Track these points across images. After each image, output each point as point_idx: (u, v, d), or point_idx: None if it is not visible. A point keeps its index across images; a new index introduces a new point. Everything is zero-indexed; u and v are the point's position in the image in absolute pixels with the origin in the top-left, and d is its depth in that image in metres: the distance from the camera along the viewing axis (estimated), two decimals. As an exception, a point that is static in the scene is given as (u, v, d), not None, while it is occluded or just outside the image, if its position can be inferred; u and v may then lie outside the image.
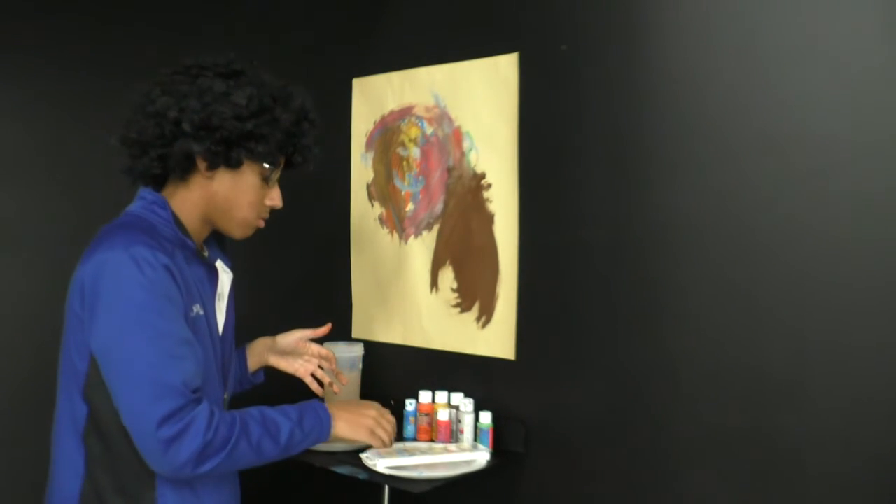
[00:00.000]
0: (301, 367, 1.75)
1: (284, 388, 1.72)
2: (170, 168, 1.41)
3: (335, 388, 1.80)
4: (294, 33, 2.35)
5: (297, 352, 1.76)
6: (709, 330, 1.71)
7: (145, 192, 1.44)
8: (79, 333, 1.31)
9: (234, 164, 1.41)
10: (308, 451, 1.94)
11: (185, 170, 1.41)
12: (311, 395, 1.79)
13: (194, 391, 1.29)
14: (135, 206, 1.44)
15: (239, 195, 1.45)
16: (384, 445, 1.56)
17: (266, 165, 1.44)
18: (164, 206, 1.42)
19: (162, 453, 1.24)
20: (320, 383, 1.77)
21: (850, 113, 1.55)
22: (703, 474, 1.72)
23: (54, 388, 1.41)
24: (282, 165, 1.49)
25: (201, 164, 1.40)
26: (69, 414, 1.34)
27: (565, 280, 1.92)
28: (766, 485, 1.63)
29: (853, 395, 1.54)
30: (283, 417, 1.40)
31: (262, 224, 1.51)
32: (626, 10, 1.83)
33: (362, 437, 1.52)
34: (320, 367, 1.76)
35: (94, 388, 1.31)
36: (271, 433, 1.37)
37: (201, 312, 1.41)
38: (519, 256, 1.99)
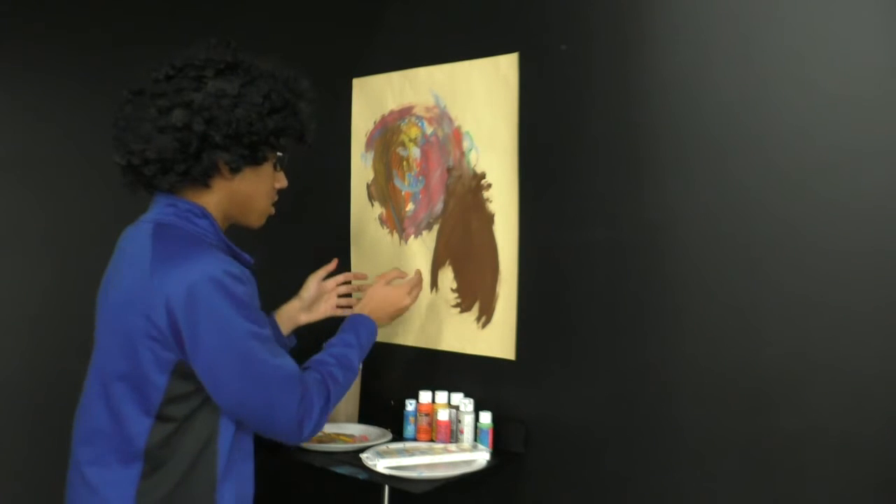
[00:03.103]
0: (325, 307, 1.92)
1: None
2: (191, 178, 1.39)
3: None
4: (294, 33, 2.35)
5: (320, 295, 1.93)
6: (709, 330, 1.70)
7: (177, 199, 1.40)
8: (159, 351, 1.29)
9: (259, 162, 1.44)
10: (308, 452, 1.96)
11: (208, 177, 1.40)
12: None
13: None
14: (165, 214, 1.39)
15: (259, 188, 1.47)
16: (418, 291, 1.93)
17: (280, 154, 1.48)
18: (203, 214, 1.40)
19: (298, 434, 1.38)
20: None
21: (850, 114, 1.55)
22: (704, 474, 1.72)
23: (54, 387, 1.41)
24: None
25: (224, 169, 1.40)
26: (117, 432, 1.32)
27: (565, 280, 1.92)
28: (766, 485, 1.63)
29: (853, 396, 1.54)
30: (349, 349, 1.60)
31: (273, 210, 1.54)
32: (627, 10, 1.83)
33: (403, 312, 1.87)
34: (341, 294, 1.95)
35: (173, 402, 1.31)
36: (346, 367, 1.55)
37: None
38: (519, 256, 1.99)
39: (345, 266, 2.37)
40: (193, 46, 1.43)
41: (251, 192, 1.46)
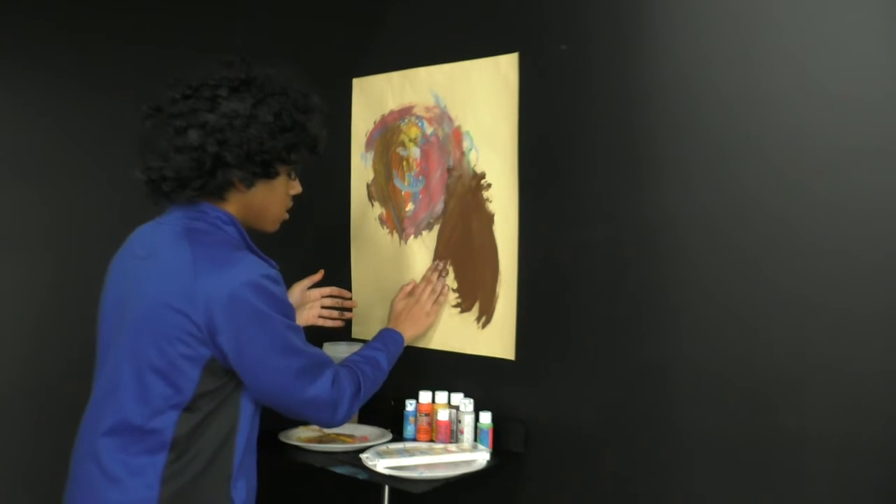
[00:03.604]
0: (308, 315, 1.98)
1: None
2: (207, 192, 1.45)
3: (346, 314, 2.07)
4: (294, 33, 2.35)
5: (303, 303, 1.98)
6: (709, 330, 1.71)
7: (206, 207, 1.47)
8: (197, 346, 1.36)
9: (272, 176, 1.48)
10: (308, 452, 1.96)
11: (223, 191, 1.46)
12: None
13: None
14: (193, 220, 1.45)
15: (273, 197, 1.53)
16: (444, 296, 2.09)
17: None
18: (231, 221, 1.47)
19: (331, 418, 1.53)
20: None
21: (850, 115, 1.55)
22: (703, 474, 1.72)
23: (56, 386, 1.41)
24: None
25: (239, 184, 1.45)
26: (146, 423, 1.36)
27: (565, 280, 1.92)
28: (765, 485, 1.63)
29: (853, 396, 1.54)
30: (376, 352, 1.78)
31: (287, 216, 1.60)
32: (626, 10, 1.83)
33: (426, 324, 2.04)
34: (325, 306, 2.01)
35: (203, 397, 1.38)
36: (374, 365, 1.73)
37: None
38: (519, 256, 1.99)
39: (345, 266, 2.38)
40: (209, 63, 1.46)
41: (265, 202, 1.52)
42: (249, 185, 1.46)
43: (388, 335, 1.89)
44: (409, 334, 1.96)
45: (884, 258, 1.52)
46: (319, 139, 1.55)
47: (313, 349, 1.50)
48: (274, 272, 1.43)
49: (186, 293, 1.35)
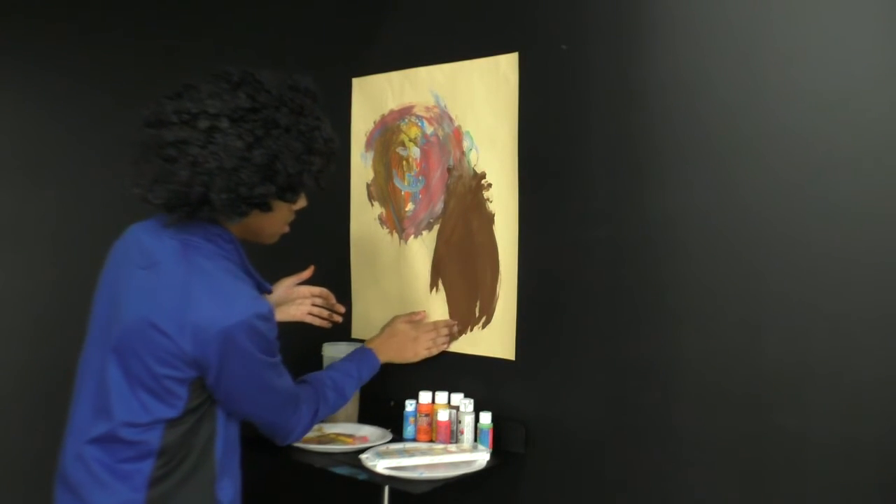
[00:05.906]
0: (296, 311, 1.97)
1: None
2: (196, 218, 1.42)
3: (335, 317, 2.03)
4: (294, 33, 2.35)
5: (289, 299, 1.97)
6: (709, 330, 1.70)
7: (201, 222, 1.45)
8: (184, 368, 1.37)
9: (265, 211, 1.45)
10: (308, 452, 1.96)
11: (212, 217, 1.44)
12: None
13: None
14: (192, 234, 1.43)
15: (270, 220, 1.50)
16: (439, 349, 2.07)
17: None
18: (231, 240, 1.47)
19: (282, 441, 1.63)
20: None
21: (851, 116, 1.55)
22: (703, 474, 1.72)
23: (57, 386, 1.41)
24: None
25: (226, 218, 1.44)
26: (134, 433, 1.38)
27: (565, 280, 1.92)
28: (766, 485, 1.63)
29: (853, 399, 1.53)
30: (347, 378, 1.83)
31: (288, 229, 1.59)
32: (627, 10, 1.83)
33: (408, 360, 2.04)
34: (315, 304, 1.99)
35: (190, 412, 1.41)
36: (339, 393, 1.78)
37: None
38: (519, 256, 1.99)
39: (345, 266, 2.37)
40: (218, 80, 1.39)
41: (262, 224, 1.51)
42: (235, 222, 1.44)
43: (366, 360, 1.92)
44: (385, 358, 1.98)
45: (884, 261, 1.51)
46: (320, 181, 1.49)
47: (282, 383, 1.54)
48: (266, 309, 1.42)
49: (176, 320, 1.35)
